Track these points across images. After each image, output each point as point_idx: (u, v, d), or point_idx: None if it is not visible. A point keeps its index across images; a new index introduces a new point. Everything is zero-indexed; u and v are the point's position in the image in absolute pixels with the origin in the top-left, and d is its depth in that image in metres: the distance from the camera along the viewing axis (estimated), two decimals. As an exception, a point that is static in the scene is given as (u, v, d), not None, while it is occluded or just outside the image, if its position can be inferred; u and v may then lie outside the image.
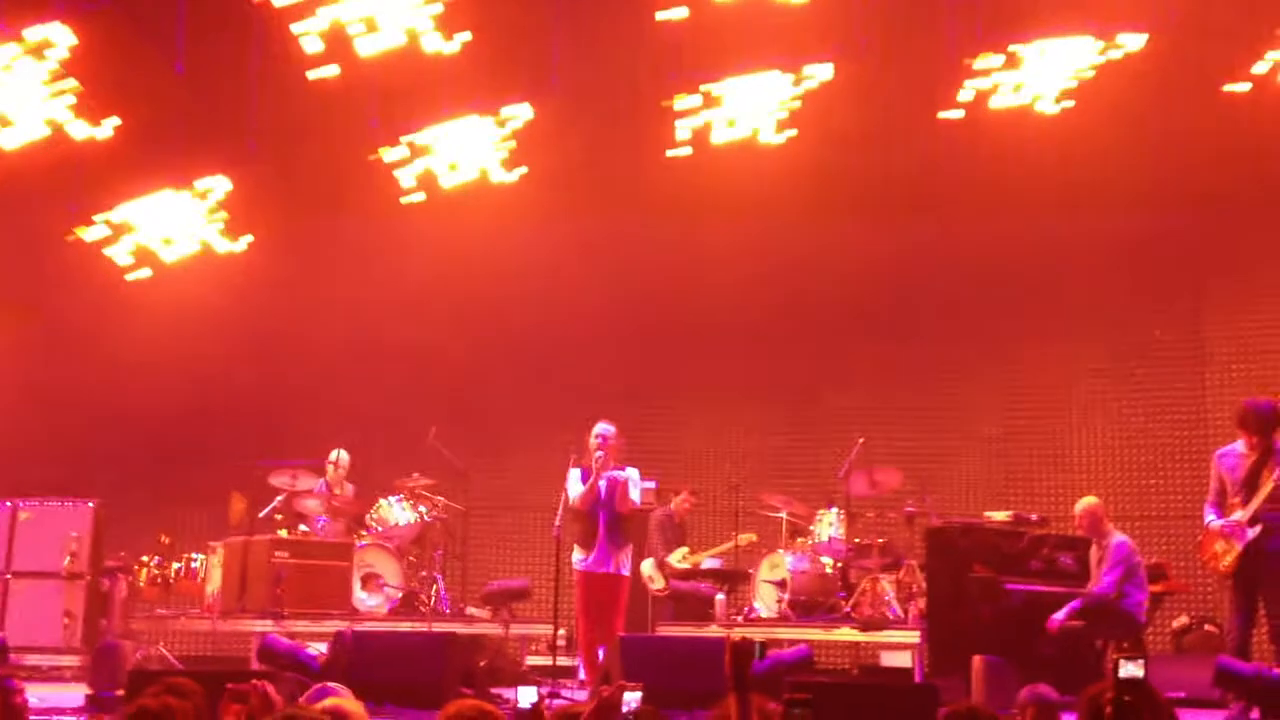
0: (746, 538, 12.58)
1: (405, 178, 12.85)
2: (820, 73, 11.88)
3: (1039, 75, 11.76)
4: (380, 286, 13.98)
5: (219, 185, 13.16)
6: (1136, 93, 11.79)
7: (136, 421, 13.86)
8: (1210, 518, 9.10)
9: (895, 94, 12.23)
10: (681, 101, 12.11)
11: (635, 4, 11.38)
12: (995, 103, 11.86)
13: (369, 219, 13.69)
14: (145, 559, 12.48)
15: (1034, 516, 11.54)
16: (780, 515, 12.49)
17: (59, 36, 11.09)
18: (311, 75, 11.44)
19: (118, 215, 13.13)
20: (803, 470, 13.85)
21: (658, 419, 14.03)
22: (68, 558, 11.65)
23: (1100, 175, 12.83)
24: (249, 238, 13.58)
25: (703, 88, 12.04)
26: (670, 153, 12.40)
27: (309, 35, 11.18)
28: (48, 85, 11.37)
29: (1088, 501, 10.38)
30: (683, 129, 12.28)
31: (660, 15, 10.85)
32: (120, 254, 13.34)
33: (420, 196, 12.98)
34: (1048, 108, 11.90)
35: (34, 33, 10.95)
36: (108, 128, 11.80)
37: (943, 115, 11.87)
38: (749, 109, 12.18)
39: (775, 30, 11.21)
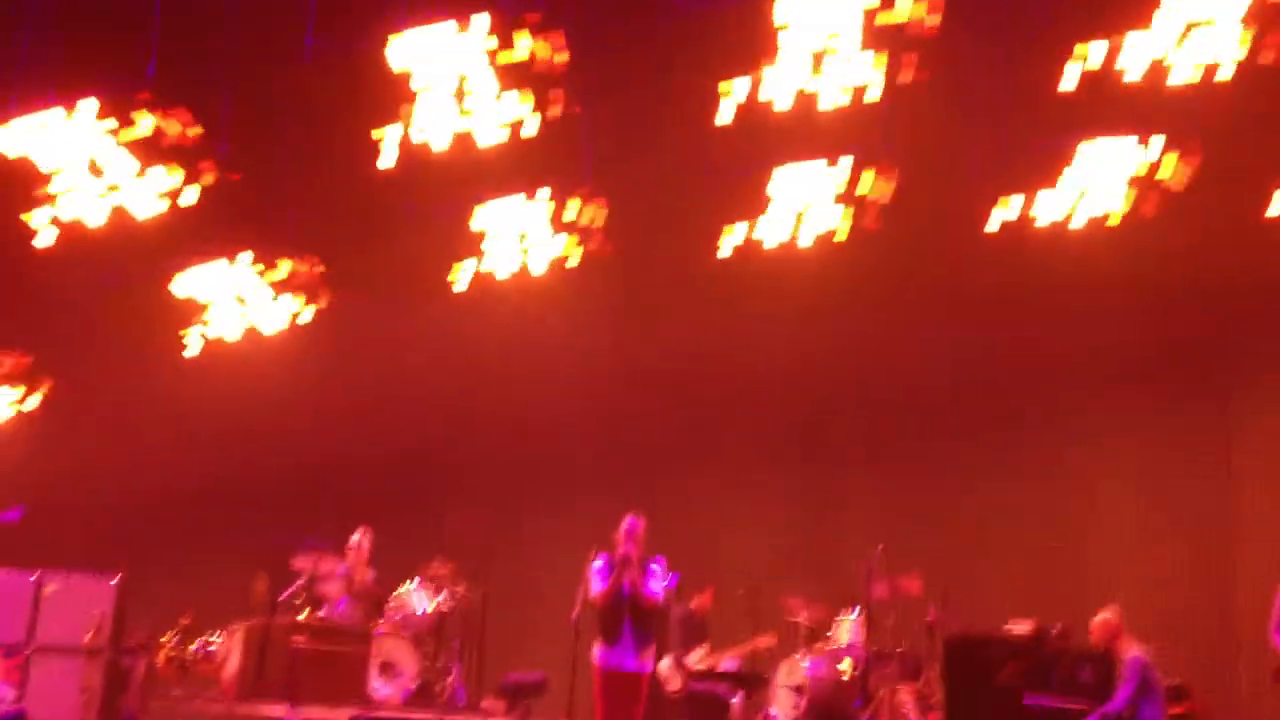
0: (765, 640, 12.51)
1: (456, 266, 12.97)
2: (866, 177, 11.95)
3: (1081, 184, 11.79)
4: (414, 372, 14.09)
5: (275, 264, 13.30)
6: (1170, 203, 11.86)
7: (166, 497, 13.99)
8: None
9: (938, 201, 12.33)
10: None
11: (689, 109, 11.48)
12: (1036, 218, 11.90)
13: (410, 304, 13.82)
14: (164, 638, 12.48)
15: (1056, 628, 11.42)
16: (799, 619, 12.42)
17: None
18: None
19: (167, 283, 13.26)
20: (824, 571, 13.78)
21: (680, 515, 13.97)
22: (89, 633, 11.68)
23: (1127, 283, 12.87)
24: (287, 316, 13.74)
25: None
26: (720, 252, 12.46)
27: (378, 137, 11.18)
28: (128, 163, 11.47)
29: (1103, 615, 10.34)
30: (729, 233, 12.36)
31: (718, 121, 10.86)
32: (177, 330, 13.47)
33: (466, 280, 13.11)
34: (1084, 220, 11.96)
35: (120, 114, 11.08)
36: (169, 203, 11.92)
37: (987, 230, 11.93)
38: (795, 208, 12.24)
39: (825, 134, 11.29)
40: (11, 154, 11.18)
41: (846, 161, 11.86)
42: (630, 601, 9.88)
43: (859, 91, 10.51)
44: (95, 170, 11.46)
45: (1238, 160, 11.52)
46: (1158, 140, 11.37)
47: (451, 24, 10.41)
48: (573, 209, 12.47)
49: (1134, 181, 11.65)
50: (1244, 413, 13.56)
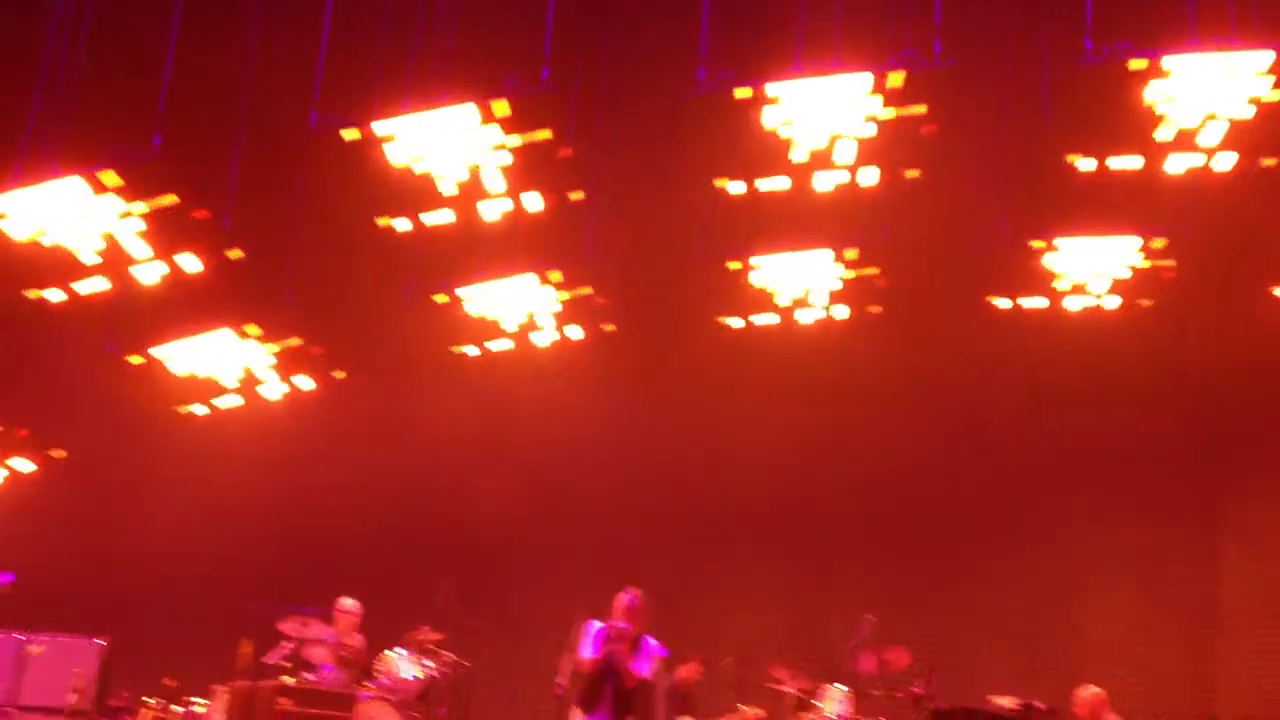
0: (753, 712, 12.48)
1: (452, 334, 13.08)
2: (862, 264, 12.13)
3: (1077, 273, 11.97)
4: (409, 443, 14.17)
5: (275, 339, 13.38)
6: (1161, 297, 12.03)
7: (153, 559, 13.98)
8: None
9: (935, 286, 12.53)
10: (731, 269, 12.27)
11: (683, 178, 11.68)
12: (1031, 303, 12.09)
13: (406, 378, 13.94)
14: (148, 700, 12.41)
15: (1041, 705, 11.44)
16: (787, 690, 12.40)
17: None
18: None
19: (165, 352, 13.33)
20: (812, 645, 13.78)
21: (668, 586, 13.93)
22: (73, 695, 11.64)
23: (1119, 373, 13.08)
24: (285, 387, 13.82)
25: (752, 260, 12.23)
26: (729, 320, 12.58)
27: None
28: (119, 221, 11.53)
29: (1088, 689, 10.39)
30: (729, 307, 12.51)
31: (731, 188, 10.91)
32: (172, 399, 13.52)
33: (469, 350, 13.21)
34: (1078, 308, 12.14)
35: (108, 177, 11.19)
36: (159, 274, 12.02)
37: (995, 302, 12.06)
38: (792, 293, 12.40)
39: (822, 221, 11.50)
40: (18, 224, 11.28)
41: (843, 248, 12.06)
42: (617, 674, 9.80)
43: (856, 183, 10.70)
44: (101, 242, 11.57)
45: (1229, 256, 11.74)
46: (1152, 234, 11.57)
47: (458, 108, 10.55)
48: (574, 291, 12.64)
49: (1127, 275, 11.84)
50: (1230, 504, 13.72)
